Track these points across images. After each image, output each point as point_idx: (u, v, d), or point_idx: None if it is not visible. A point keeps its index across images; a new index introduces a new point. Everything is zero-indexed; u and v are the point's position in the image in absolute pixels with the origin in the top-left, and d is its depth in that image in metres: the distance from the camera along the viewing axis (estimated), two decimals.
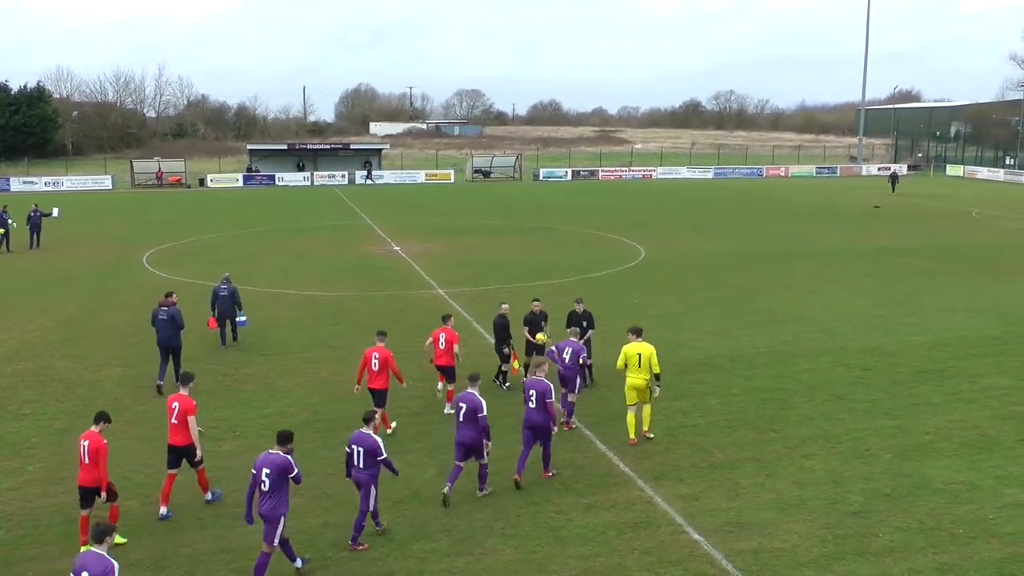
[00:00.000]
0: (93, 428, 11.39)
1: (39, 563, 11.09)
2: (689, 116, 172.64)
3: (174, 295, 18.67)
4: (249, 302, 23.59)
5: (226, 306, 20.94)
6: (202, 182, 72.98)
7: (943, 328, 22.86)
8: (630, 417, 14.90)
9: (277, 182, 74.03)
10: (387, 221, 47.06)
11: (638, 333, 14.97)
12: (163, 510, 12.26)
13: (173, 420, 12.31)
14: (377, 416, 11.76)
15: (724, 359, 19.97)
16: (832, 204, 56.47)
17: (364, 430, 11.36)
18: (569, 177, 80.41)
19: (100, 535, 8.44)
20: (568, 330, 16.59)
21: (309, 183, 74.36)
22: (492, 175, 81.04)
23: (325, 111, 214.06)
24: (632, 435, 14.80)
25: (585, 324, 17.55)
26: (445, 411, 16.24)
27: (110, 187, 71.71)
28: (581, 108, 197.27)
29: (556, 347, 15.52)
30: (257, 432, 15.40)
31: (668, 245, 37.91)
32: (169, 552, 11.26)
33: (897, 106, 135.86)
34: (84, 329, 23.23)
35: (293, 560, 10.66)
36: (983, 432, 15.37)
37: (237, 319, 21.19)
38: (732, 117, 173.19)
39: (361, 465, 11.24)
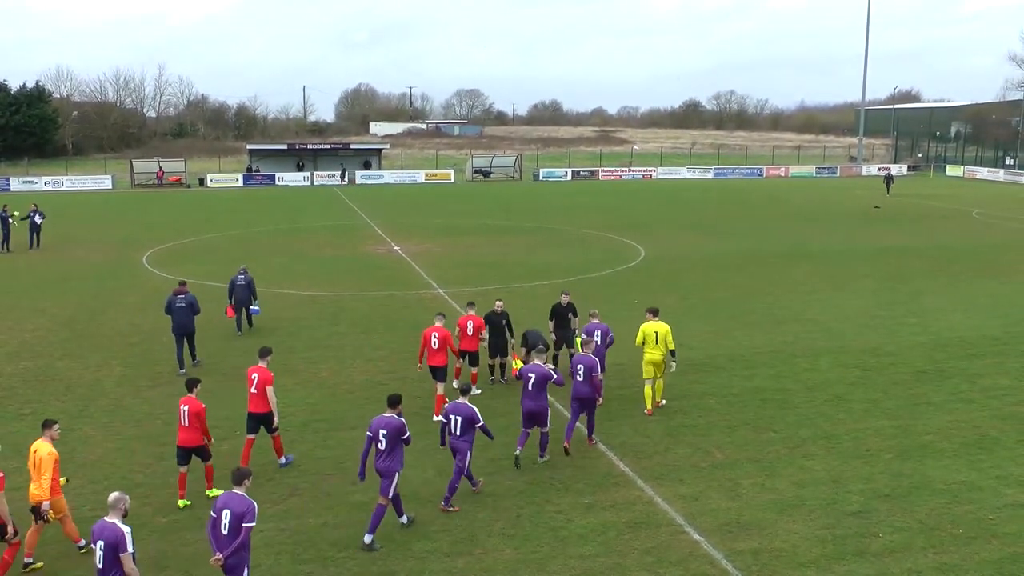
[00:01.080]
0: (190, 394, 12.66)
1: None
2: (689, 116, 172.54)
3: (186, 283, 20.11)
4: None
5: (243, 295, 22.29)
6: (202, 182, 72.98)
7: (943, 328, 22.86)
8: (647, 389, 16.37)
9: (277, 182, 74.06)
10: (387, 221, 47.06)
11: (655, 313, 16.56)
12: (282, 460, 13.86)
13: (252, 390, 13.59)
14: (473, 388, 13.23)
15: (724, 359, 19.98)
16: (832, 204, 56.48)
17: (461, 400, 12.53)
18: (569, 177, 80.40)
19: (239, 478, 9.40)
20: (590, 314, 17.41)
21: (309, 183, 74.36)
22: (492, 175, 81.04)
23: (325, 111, 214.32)
24: (649, 406, 16.31)
25: (570, 315, 18.30)
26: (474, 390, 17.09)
27: (110, 187, 71.70)
28: (581, 108, 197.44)
29: (585, 330, 16.51)
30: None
31: (668, 245, 37.92)
32: (169, 552, 11.26)
33: (897, 106, 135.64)
34: (84, 329, 23.23)
35: (400, 515, 11.83)
36: (983, 432, 15.37)
37: (251, 308, 22.49)
38: (732, 117, 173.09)
39: (458, 433, 12.31)
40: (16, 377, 18.90)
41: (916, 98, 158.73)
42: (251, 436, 13.69)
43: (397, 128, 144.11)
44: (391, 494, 11.43)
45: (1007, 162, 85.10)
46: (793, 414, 16.32)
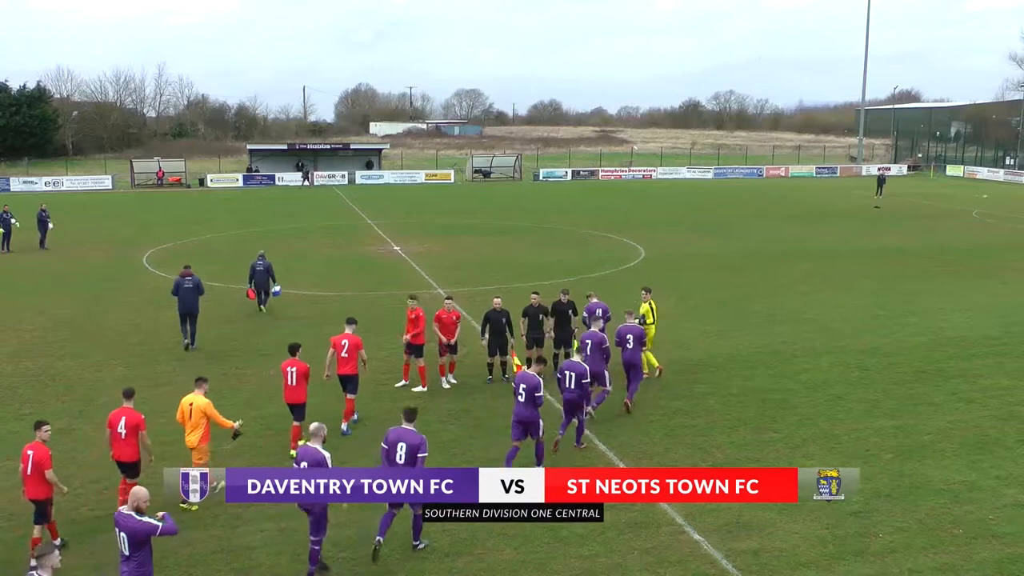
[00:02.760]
0: (294, 358, 14.36)
1: None
2: (689, 116, 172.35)
3: (191, 267, 21.61)
4: (251, 301, 25.04)
5: (261, 279, 24.64)
6: (202, 182, 72.96)
7: (943, 328, 22.86)
8: (648, 355, 18.26)
9: (277, 182, 74.04)
10: (387, 221, 47.05)
11: (648, 291, 19.18)
12: (343, 426, 15.40)
13: (344, 354, 15.33)
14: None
15: (724, 359, 19.98)
16: (832, 204, 56.45)
17: (574, 359, 14.41)
18: (569, 177, 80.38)
19: (411, 415, 11.08)
20: (588, 295, 18.89)
21: (309, 183, 74.31)
22: (492, 175, 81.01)
23: (325, 111, 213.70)
24: (656, 363, 18.47)
25: (570, 313, 18.65)
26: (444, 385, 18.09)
27: (110, 187, 71.68)
28: (581, 108, 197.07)
29: (587, 309, 17.81)
30: (257, 432, 15.39)
31: (668, 245, 37.92)
32: (169, 552, 11.25)
33: (897, 106, 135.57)
34: (84, 329, 23.24)
35: (540, 463, 13.08)
36: (983, 432, 15.38)
37: (272, 290, 24.70)
38: (732, 117, 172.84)
39: (572, 386, 13.98)
40: (16, 377, 18.91)
41: (916, 98, 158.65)
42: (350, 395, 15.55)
43: (397, 128, 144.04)
44: (541, 433, 13.25)
45: (1007, 162, 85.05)
46: (793, 414, 16.32)
